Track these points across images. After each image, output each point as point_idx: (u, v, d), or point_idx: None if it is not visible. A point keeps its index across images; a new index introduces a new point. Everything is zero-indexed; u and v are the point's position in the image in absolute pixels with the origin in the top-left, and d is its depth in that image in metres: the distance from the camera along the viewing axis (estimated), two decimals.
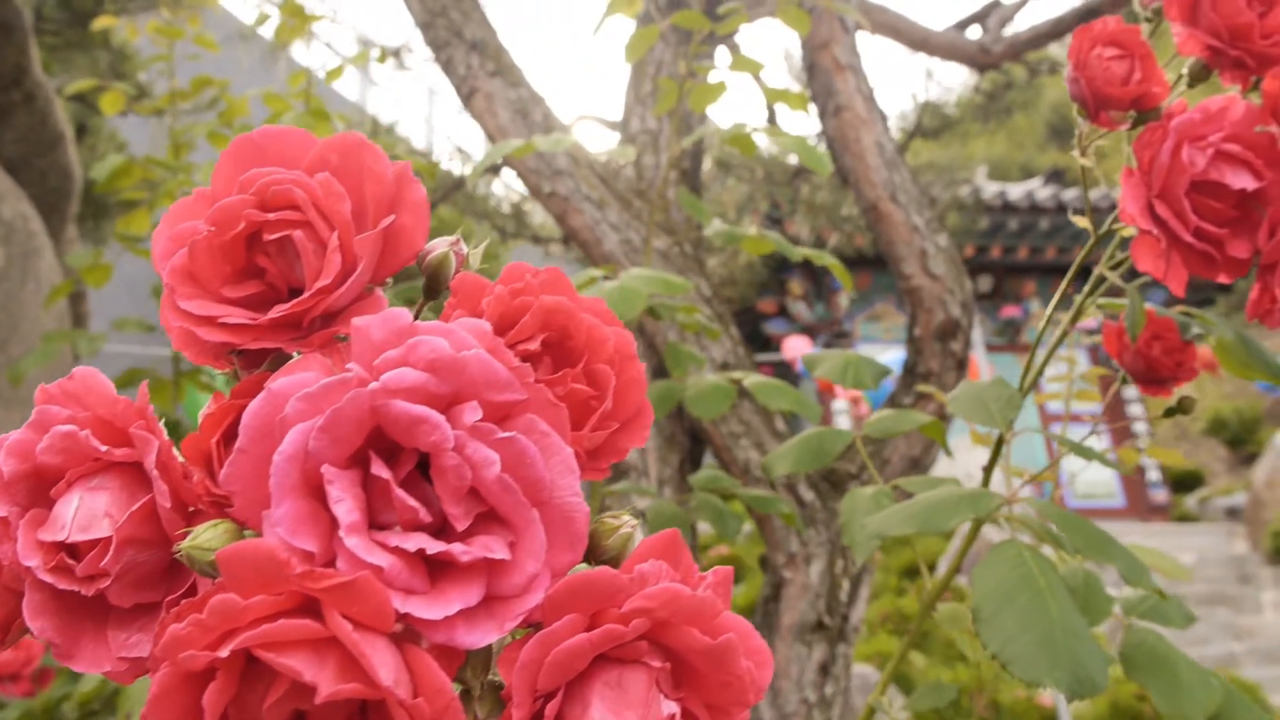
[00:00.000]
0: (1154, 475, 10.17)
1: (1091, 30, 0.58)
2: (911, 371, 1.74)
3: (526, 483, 0.32)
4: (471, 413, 0.31)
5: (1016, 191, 10.21)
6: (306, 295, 0.34)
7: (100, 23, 1.92)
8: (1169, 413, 0.72)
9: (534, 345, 0.35)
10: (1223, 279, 0.57)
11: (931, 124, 4.90)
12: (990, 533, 7.10)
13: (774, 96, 1.30)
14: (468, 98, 1.82)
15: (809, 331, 10.15)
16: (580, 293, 1.14)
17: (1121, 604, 0.76)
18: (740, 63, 1.27)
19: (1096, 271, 0.69)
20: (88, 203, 3.32)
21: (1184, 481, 12.07)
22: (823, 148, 2.12)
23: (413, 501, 0.31)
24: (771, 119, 3.28)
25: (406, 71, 5.10)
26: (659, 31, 1.18)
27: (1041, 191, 10.09)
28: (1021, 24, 3.20)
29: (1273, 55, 0.58)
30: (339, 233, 0.35)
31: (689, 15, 1.17)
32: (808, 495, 1.73)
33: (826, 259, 1.26)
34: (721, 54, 2.70)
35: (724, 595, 0.34)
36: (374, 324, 0.32)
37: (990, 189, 10.76)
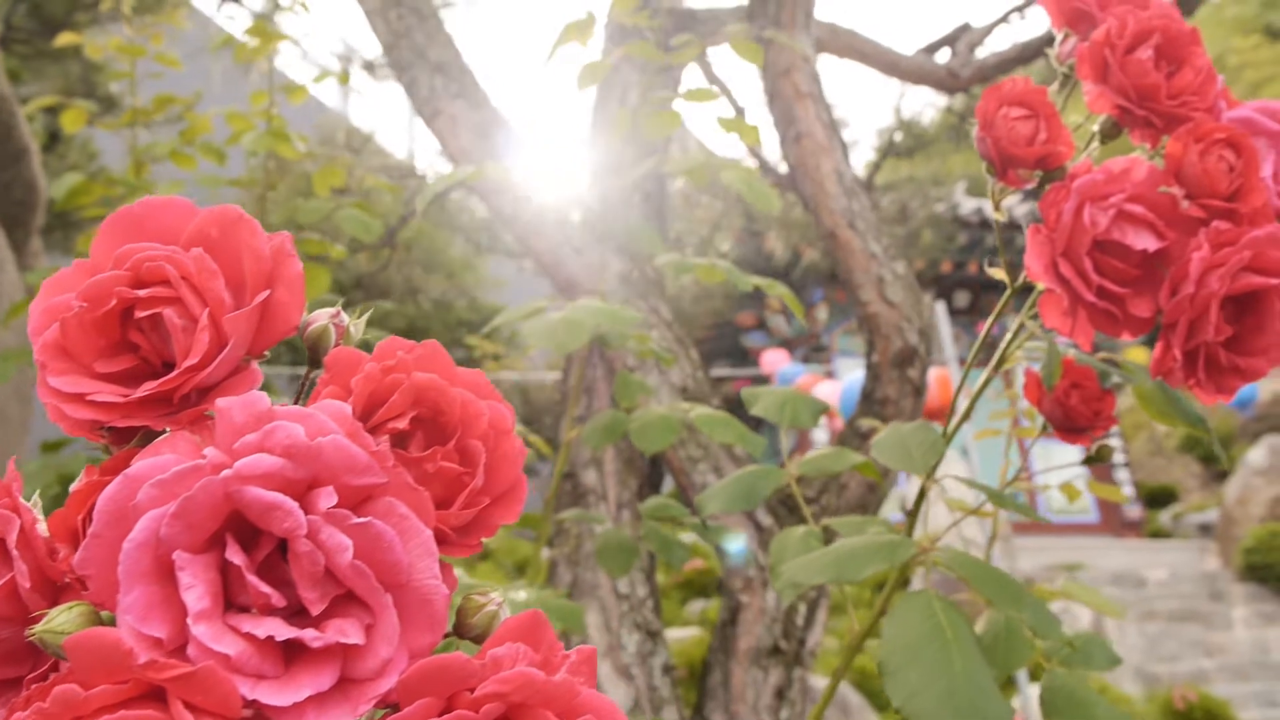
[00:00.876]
0: (1128, 491, 10.24)
1: (999, 90, 0.58)
2: (869, 397, 1.75)
3: (383, 566, 0.32)
4: (327, 498, 0.32)
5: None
6: (174, 374, 0.35)
7: (63, 39, 1.91)
8: (1087, 461, 0.73)
9: (403, 423, 0.36)
10: (1126, 336, 0.57)
11: (906, 143, 4.93)
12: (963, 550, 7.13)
13: (727, 127, 1.30)
14: (430, 119, 1.82)
15: (787, 345, 10.18)
16: (527, 321, 1.14)
17: (1046, 648, 0.77)
18: (694, 94, 1.28)
19: (1018, 320, 0.70)
20: (56, 215, 3.31)
21: (1158, 497, 12.15)
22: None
23: (265, 587, 0.31)
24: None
25: (385, 81, 5.11)
26: (612, 64, 1.19)
27: (1020, 208, 10.16)
28: (994, 46, 3.23)
29: (1179, 115, 0.59)
30: (210, 310, 0.35)
31: (641, 47, 1.18)
32: (765, 520, 1.74)
33: (778, 288, 1.27)
34: (692, 73, 2.71)
35: (587, 675, 0.35)
36: (235, 407, 0.32)
37: (968, 205, 10.82)
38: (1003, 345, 0.72)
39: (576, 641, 1.77)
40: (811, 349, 10.36)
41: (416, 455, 0.36)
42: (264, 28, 1.80)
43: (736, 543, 1.63)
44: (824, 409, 0.95)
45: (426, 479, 0.36)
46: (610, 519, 1.76)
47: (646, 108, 1.30)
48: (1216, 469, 12.50)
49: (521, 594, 1.01)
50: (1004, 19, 3.25)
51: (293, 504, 0.31)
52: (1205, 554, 9.43)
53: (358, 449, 0.32)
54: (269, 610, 0.32)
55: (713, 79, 3.08)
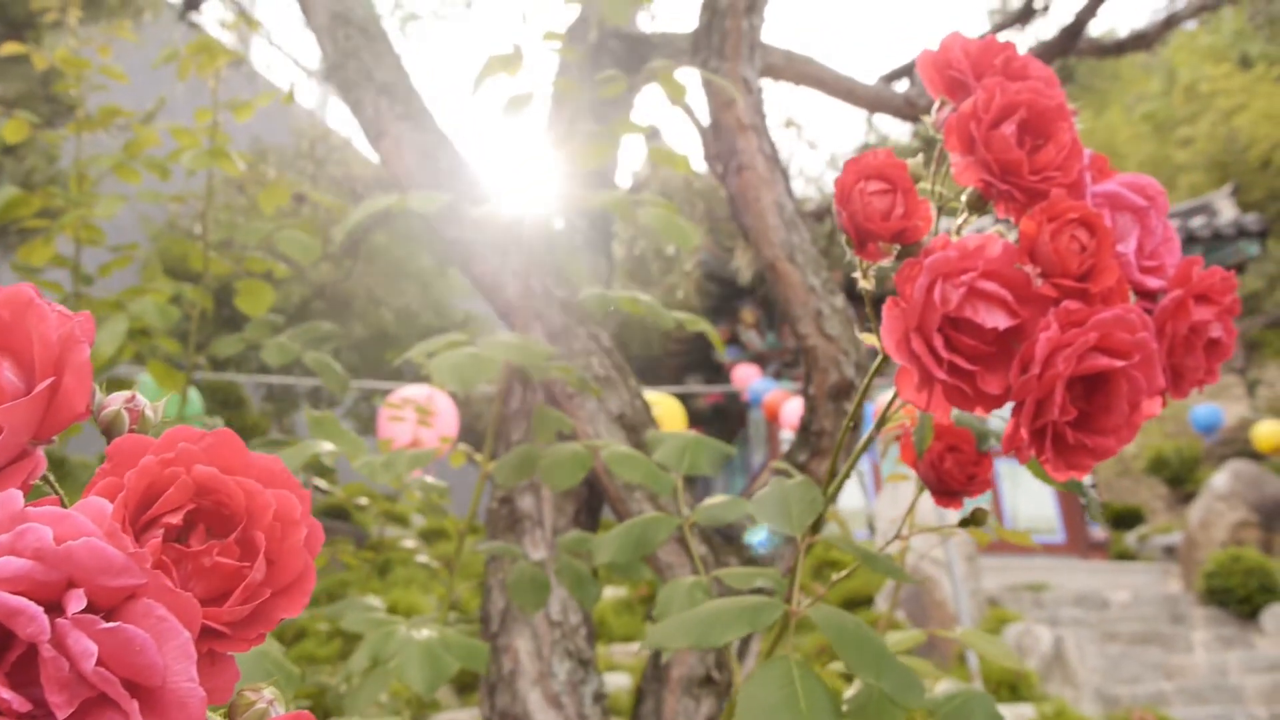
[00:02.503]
0: None
1: (859, 163, 0.59)
2: (806, 429, 1.75)
3: (137, 670, 0.32)
4: (76, 602, 0.31)
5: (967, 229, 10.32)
6: None
7: (7, 49, 1.90)
8: (963, 523, 0.73)
9: (177, 519, 0.35)
10: (979, 412, 0.58)
11: None
12: (927, 568, 7.14)
13: (658, 158, 1.31)
14: (375, 140, 1.82)
15: (759, 360, 10.20)
16: (439, 355, 1.13)
17: (925, 703, 0.77)
18: (623, 126, 1.28)
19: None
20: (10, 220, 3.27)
21: (1125, 518, 12.25)
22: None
23: (5, 693, 0.31)
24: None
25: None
26: (533, 96, 1.19)
27: (991, 230, 10.21)
28: None
29: (1040, 191, 0.60)
30: None
31: (563, 83, 1.18)
32: (700, 549, 1.74)
33: (701, 324, 1.27)
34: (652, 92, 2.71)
35: None
36: None
37: (941, 225, 10.84)
38: (883, 408, 0.72)
39: (508, 667, 1.76)
40: (784, 364, 10.38)
41: (194, 549, 0.35)
42: (210, 43, 1.79)
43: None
44: (728, 455, 0.95)
45: (203, 573, 0.35)
46: (545, 546, 1.76)
47: (578, 138, 1.31)
48: (1183, 492, 12.60)
49: (424, 631, 1.00)
50: None
51: (36, 609, 0.31)
52: (1168, 576, 9.51)
53: (114, 550, 0.32)
54: (14, 715, 0.31)
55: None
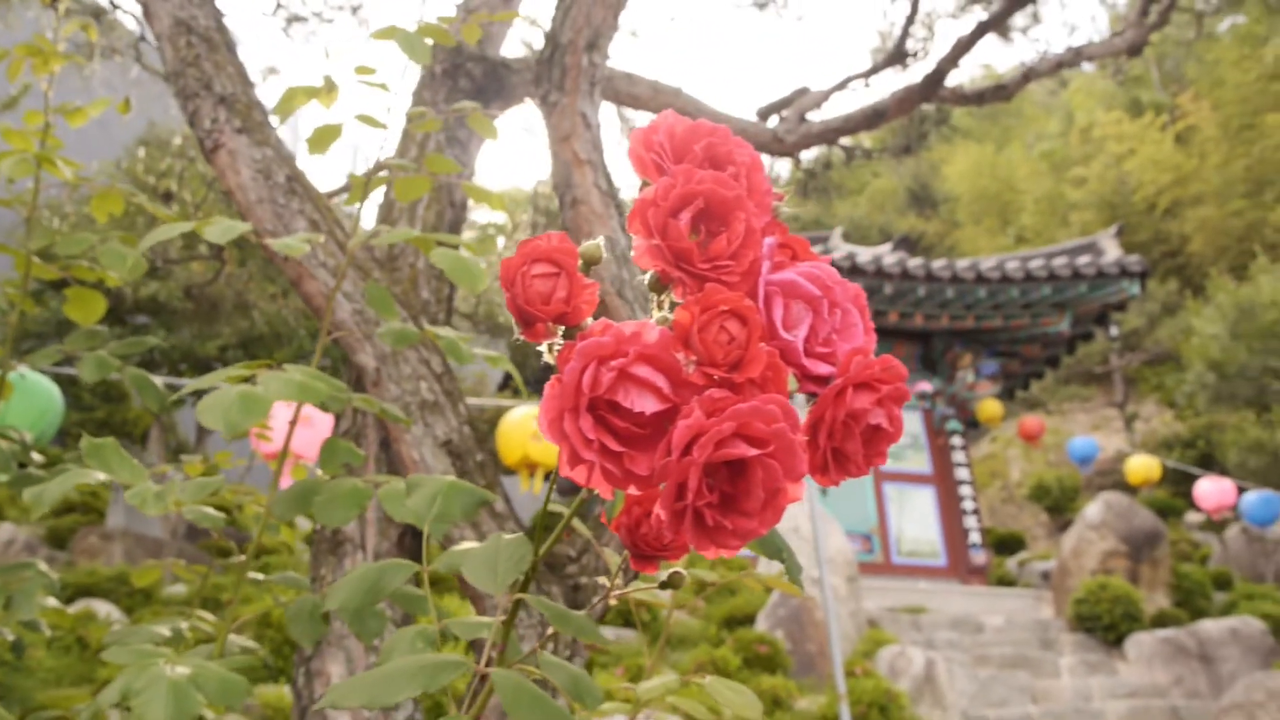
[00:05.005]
0: (975, 537, 10.59)
1: (528, 247, 0.61)
2: None
3: None
4: None
5: (866, 255, 10.57)
6: None
7: None
8: (663, 586, 0.75)
9: None
10: (633, 490, 0.60)
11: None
12: (809, 588, 7.25)
13: (474, 195, 1.32)
14: (211, 152, 1.80)
15: None
16: (208, 395, 1.11)
17: None
18: (435, 163, 1.29)
19: None
20: None
21: (1007, 544, 12.62)
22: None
23: None
24: None
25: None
26: (341, 131, 1.19)
27: (889, 257, 10.47)
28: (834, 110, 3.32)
29: (708, 277, 0.62)
30: None
31: (367, 118, 1.19)
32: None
33: (503, 362, 1.28)
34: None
35: None
36: None
37: (842, 250, 11.11)
38: None
39: (320, 692, 1.74)
40: None
41: None
42: (42, 44, 1.75)
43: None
44: (482, 501, 0.96)
45: None
46: None
47: (395, 173, 1.31)
48: (1063, 519, 13.04)
49: (179, 668, 0.99)
50: (842, 85, 3.36)
51: None
52: (1042, 602, 9.82)
53: None
54: None
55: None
